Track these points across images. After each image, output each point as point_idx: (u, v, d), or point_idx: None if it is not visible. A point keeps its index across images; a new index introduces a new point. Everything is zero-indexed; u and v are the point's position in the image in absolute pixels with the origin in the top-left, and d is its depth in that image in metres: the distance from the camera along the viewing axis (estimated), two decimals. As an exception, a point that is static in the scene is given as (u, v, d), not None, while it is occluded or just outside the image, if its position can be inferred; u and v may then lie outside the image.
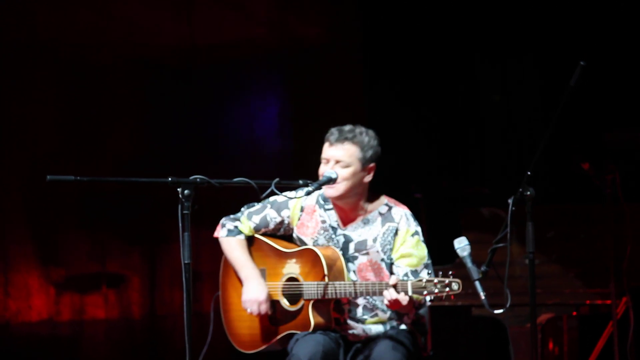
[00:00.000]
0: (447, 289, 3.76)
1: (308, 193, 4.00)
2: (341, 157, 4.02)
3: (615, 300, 5.40)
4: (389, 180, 4.49)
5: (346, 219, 4.14)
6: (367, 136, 4.06)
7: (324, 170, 4.03)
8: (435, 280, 3.78)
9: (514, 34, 7.05)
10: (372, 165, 4.07)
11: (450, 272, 3.79)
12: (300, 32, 7.27)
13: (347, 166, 4.02)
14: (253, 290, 4.10)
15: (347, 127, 4.07)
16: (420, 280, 3.80)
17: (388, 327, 4.11)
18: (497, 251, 3.84)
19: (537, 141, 3.82)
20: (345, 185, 4.02)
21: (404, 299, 3.82)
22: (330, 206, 4.16)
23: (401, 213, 4.11)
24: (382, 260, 4.08)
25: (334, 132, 4.06)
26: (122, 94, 6.93)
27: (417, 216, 4.25)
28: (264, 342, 4.16)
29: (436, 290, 3.77)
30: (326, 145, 4.06)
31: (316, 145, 4.18)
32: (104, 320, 6.81)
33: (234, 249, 4.20)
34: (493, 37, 7.09)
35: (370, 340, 4.06)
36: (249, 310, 4.11)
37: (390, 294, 3.82)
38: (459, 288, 3.77)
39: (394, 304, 3.84)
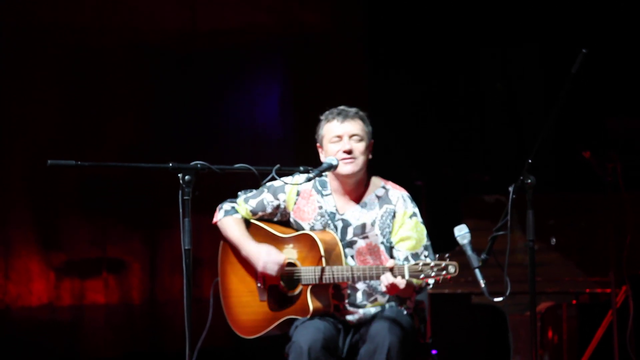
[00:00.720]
0: (444, 272, 3.77)
1: (309, 179, 4.01)
2: (356, 131, 4.06)
3: (615, 288, 5.40)
4: (390, 168, 4.48)
5: (345, 203, 4.14)
6: (364, 114, 4.14)
7: (338, 147, 4.04)
8: (432, 264, 3.78)
9: (516, 21, 7.03)
10: (372, 141, 4.12)
11: (446, 255, 3.79)
12: (303, 18, 7.25)
13: (361, 140, 4.07)
14: (263, 255, 4.09)
15: (343, 106, 4.13)
16: (417, 264, 3.80)
17: (387, 307, 4.11)
18: (498, 239, 3.83)
19: (539, 129, 3.81)
20: (363, 159, 4.06)
21: (400, 282, 3.81)
22: (328, 192, 4.16)
23: (398, 195, 4.13)
24: (382, 243, 4.09)
25: (337, 111, 4.10)
26: (123, 79, 6.93)
27: (418, 203, 4.24)
28: (264, 328, 4.17)
29: (433, 274, 3.77)
30: (335, 123, 4.07)
31: (317, 132, 4.18)
32: (104, 305, 6.83)
33: (231, 227, 4.20)
34: (495, 24, 7.07)
35: (367, 322, 4.06)
36: (269, 272, 4.09)
37: (387, 278, 3.82)
38: (455, 271, 3.77)
39: (391, 289, 3.84)
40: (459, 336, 6.91)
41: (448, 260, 3.77)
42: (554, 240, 5.51)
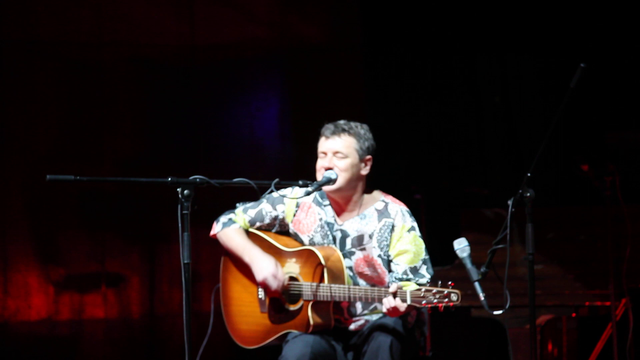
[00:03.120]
0: (446, 300, 3.74)
1: (307, 193, 4.02)
2: (339, 149, 4.05)
3: (614, 301, 5.40)
4: (389, 181, 4.49)
5: (342, 214, 4.14)
6: (362, 129, 4.11)
7: (322, 164, 4.05)
8: (434, 290, 3.75)
9: (514, 34, 7.05)
10: (368, 157, 4.11)
11: (449, 283, 3.76)
12: (301, 32, 7.27)
13: (345, 157, 4.05)
14: (265, 267, 4.08)
15: (342, 121, 4.13)
16: (419, 290, 3.77)
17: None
18: (497, 252, 3.83)
19: (538, 142, 3.81)
20: (343, 177, 4.04)
21: (401, 305, 3.80)
22: (327, 202, 4.16)
23: (397, 209, 4.12)
24: (379, 256, 4.09)
25: (329, 126, 4.10)
26: (122, 94, 6.93)
27: (417, 217, 4.24)
28: (263, 339, 4.16)
29: (435, 301, 3.74)
30: (322, 140, 4.09)
31: (316, 146, 4.19)
32: (103, 320, 6.81)
33: (232, 237, 4.20)
34: (494, 37, 7.09)
35: (369, 329, 4.06)
36: (271, 286, 4.09)
37: (389, 302, 3.81)
38: (457, 299, 3.74)
39: (392, 312, 3.84)
40: (459, 349, 6.90)
41: (451, 288, 3.75)
42: (554, 253, 5.51)
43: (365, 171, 4.11)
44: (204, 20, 7.09)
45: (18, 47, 6.72)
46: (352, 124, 4.11)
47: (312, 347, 3.93)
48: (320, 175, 4.07)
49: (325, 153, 4.07)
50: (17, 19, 6.71)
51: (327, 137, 4.06)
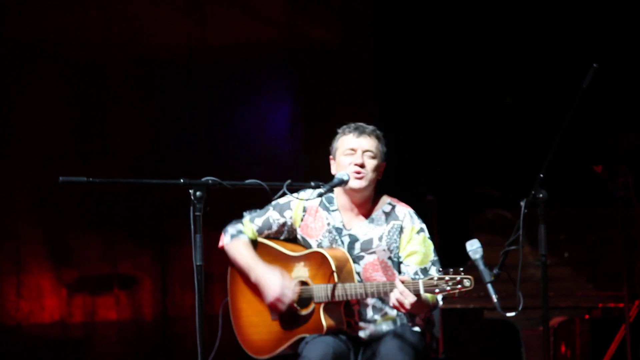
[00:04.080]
0: (459, 286, 3.74)
1: (320, 195, 4.01)
2: (370, 147, 4.07)
3: (627, 303, 5.38)
4: (400, 182, 4.49)
5: (351, 218, 4.13)
6: (381, 134, 4.14)
7: (350, 160, 4.04)
8: (447, 278, 3.75)
9: (525, 35, 7.03)
10: (384, 163, 4.12)
11: (460, 269, 3.77)
12: (311, 33, 7.27)
13: (374, 157, 4.07)
14: (272, 289, 4.07)
15: (361, 123, 4.14)
16: (432, 278, 3.77)
17: (398, 323, 4.09)
18: (510, 254, 3.82)
19: (549, 143, 3.80)
20: (372, 176, 4.06)
21: (408, 296, 3.78)
22: (335, 207, 4.15)
23: (405, 211, 4.12)
24: (389, 258, 4.08)
25: (355, 125, 4.11)
26: (132, 95, 6.94)
27: (429, 218, 4.24)
28: (276, 347, 4.14)
29: (448, 288, 3.74)
30: (351, 137, 4.08)
31: (327, 147, 4.18)
32: (116, 322, 6.82)
33: (240, 252, 4.17)
34: (504, 38, 7.07)
35: (379, 339, 4.05)
36: (280, 310, 4.08)
37: (394, 295, 3.80)
38: (470, 284, 3.74)
39: (400, 306, 3.82)
40: (471, 351, 6.88)
41: (463, 274, 3.75)
42: (567, 254, 5.49)
43: (379, 176, 4.12)
44: (214, 22, 7.09)
45: (27, 48, 6.73)
46: (373, 127, 4.13)
47: (333, 348, 3.93)
48: (349, 170, 4.04)
49: (354, 150, 4.06)
50: (26, 20, 6.73)
51: (357, 135, 4.07)
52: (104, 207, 6.79)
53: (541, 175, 3.77)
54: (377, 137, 4.10)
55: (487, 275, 3.77)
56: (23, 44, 6.72)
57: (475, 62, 7.18)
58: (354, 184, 4.04)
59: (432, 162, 7.15)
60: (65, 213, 6.75)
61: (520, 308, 3.79)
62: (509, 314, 3.86)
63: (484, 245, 3.85)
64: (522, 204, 3.79)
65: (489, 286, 3.75)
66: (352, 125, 4.12)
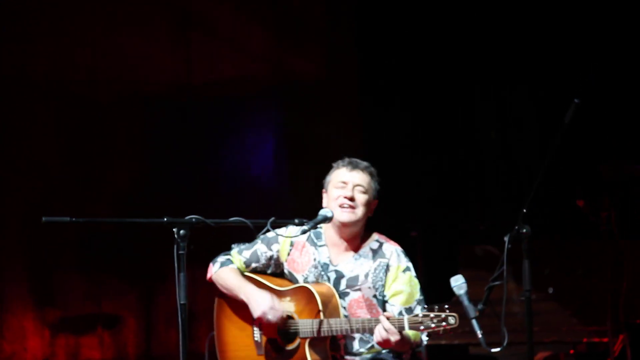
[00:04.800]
0: (444, 324, 3.74)
1: (304, 232, 4.01)
2: (361, 182, 4.08)
3: (612, 338, 5.38)
4: (385, 218, 4.49)
5: (338, 254, 4.13)
6: (375, 172, 4.16)
7: (340, 193, 4.05)
8: (432, 315, 3.75)
9: (510, 68, 7.08)
10: (376, 201, 4.12)
11: (446, 306, 3.77)
12: (297, 67, 7.30)
13: (365, 192, 4.08)
14: (261, 302, 4.07)
15: (356, 159, 4.15)
16: (417, 316, 3.77)
17: (384, 351, 4.08)
18: (494, 289, 3.82)
19: (534, 175, 3.82)
20: (362, 211, 4.06)
21: (394, 334, 3.78)
22: (322, 242, 4.16)
23: (392, 249, 4.12)
24: (374, 296, 4.07)
25: (349, 160, 4.13)
26: (119, 130, 6.95)
27: (413, 254, 4.24)
28: (261, 381, 4.14)
29: (433, 325, 3.74)
30: (343, 171, 4.10)
31: (313, 182, 4.19)
32: (100, 362, 6.78)
33: (228, 277, 4.18)
34: (490, 71, 7.12)
35: None
36: (270, 320, 4.06)
37: (379, 332, 3.80)
38: (455, 322, 3.74)
39: (384, 343, 3.82)
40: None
41: (448, 311, 3.75)
42: (552, 289, 5.50)
43: (370, 214, 4.12)
44: (200, 57, 7.12)
45: (16, 85, 6.74)
46: (368, 163, 4.15)
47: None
48: (336, 205, 4.05)
49: (345, 183, 4.07)
50: (13, 55, 6.74)
51: (349, 170, 4.09)
52: (87, 247, 6.77)
53: (524, 210, 3.79)
54: (370, 174, 4.11)
55: (471, 311, 3.77)
56: (12, 80, 6.73)
57: (461, 94, 7.22)
58: (343, 217, 4.04)
59: (418, 197, 7.16)
60: (51, 252, 6.72)
61: (505, 343, 3.79)
62: (494, 350, 3.85)
63: (468, 280, 3.85)
64: (506, 239, 3.79)
65: (474, 322, 3.75)
66: (347, 159, 4.14)
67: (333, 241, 4.14)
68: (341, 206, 4.03)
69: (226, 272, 4.20)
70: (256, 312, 4.08)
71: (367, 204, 4.07)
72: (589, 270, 5.51)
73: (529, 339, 3.78)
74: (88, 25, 6.89)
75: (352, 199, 4.04)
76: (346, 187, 4.07)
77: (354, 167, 4.10)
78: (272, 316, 4.05)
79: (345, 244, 4.12)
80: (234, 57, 7.20)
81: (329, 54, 7.42)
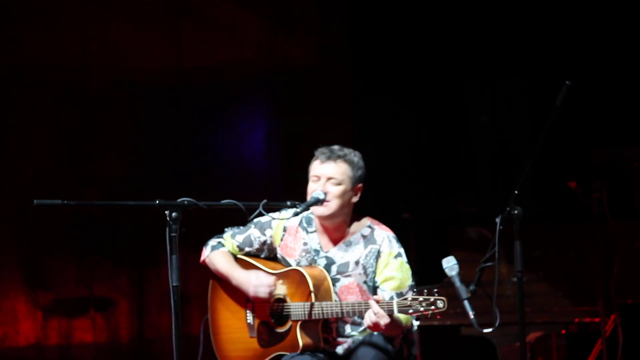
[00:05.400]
0: (433, 307, 3.74)
1: (296, 214, 4.00)
2: (333, 175, 4.02)
3: (603, 317, 5.40)
4: (377, 200, 4.49)
5: (329, 241, 4.13)
6: (356, 156, 4.09)
7: (315, 187, 4.03)
8: (421, 299, 3.75)
9: (502, 53, 7.08)
10: (359, 185, 4.09)
11: (435, 290, 3.77)
12: (288, 53, 7.29)
13: (339, 184, 4.02)
14: (253, 280, 4.08)
15: (336, 147, 4.09)
16: (406, 299, 3.77)
17: (375, 333, 4.09)
18: (486, 270, 3.83)
19: (526, 160, 3.82)
20: (336, 204, 4.02)
21: (384, 318, 3.78)
22: (313, 229, 4.15)
23: (383, 235, 4.09)
24: (365, 282, 4.07)
25: (324, 150, 4.07)
26: (111, 117, 6.94)
27: (405, 236, 4.24)
28: (254, 364, 4.15)
29: (421, 309, 3.74)
30: (317, 163, 4.05)
31: (304, 166, 4.19)
32: (92, 344, 6.78)
33: (220, 259, 4.18)
34: (481, 56, 7.12)
35: (355, 348, 4.05)
36: (261, 295, 4.07)
37: (369, 315, 3.80)
38: (444, 306, 3.74)
39: (374, 326, 3.82)
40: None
41: (437, 295, 3.75)
42: (543, 271, 5.52)
43: (355, 199, 4.08)
44: (191, 43, 7.11)
45: (7, 72, 6.73)
46: (347, 150, 4.07)
47: (310, 367, 3.93)
48: (322, 194, 4.03)
49: (318, 177, 4.03)
50: (5, 44, 6.72)
51: (322, 162, 4.03)
52: (80, 230, 6.77)
53: (516, 192, 3.79)
54: (349, 162, 4.02)
55: (463, 292, 3.78)
56: (1, 68, 6.71)
57: (453, 78, 7.22)
58: (317, 212, 4.02)
59: (409, 180, 7.17)
60: (42, 236, 6.72)
61: (497, 324, 3.80)
62: (485, 331, 3.86)
63: (460, 262, 3.86)
64: (498, 220, 3.80)
65: (466, 303, 3.76)
66: (323, 149, 4.06)
67: (322, 229, 4.13)
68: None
69: (218, 255, 4.20)
70: (250, 291, 4.08)
71: (342, 195, 4.00)
72: (581, 252, 5.53)
73: (520, 320, 3.79)
74: (79, 12, 6.87)
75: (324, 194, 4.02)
76: (318, 181, 4.02)
77: (327, 158, 4.02)
78: (264, 292, 4.05)
79: (332, 232, 4.11)
80: (226, 43, 7.19)
81: (321, 40, 7.41)
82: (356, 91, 7.32)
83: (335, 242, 4.11)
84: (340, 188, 4.01)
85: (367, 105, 7.29)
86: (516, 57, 7.06)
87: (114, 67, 6.94)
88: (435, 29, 7.18)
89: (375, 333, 4.07)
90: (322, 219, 4.05)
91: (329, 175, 4.02)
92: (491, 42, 7.09)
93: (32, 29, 6.77)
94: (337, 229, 4.09)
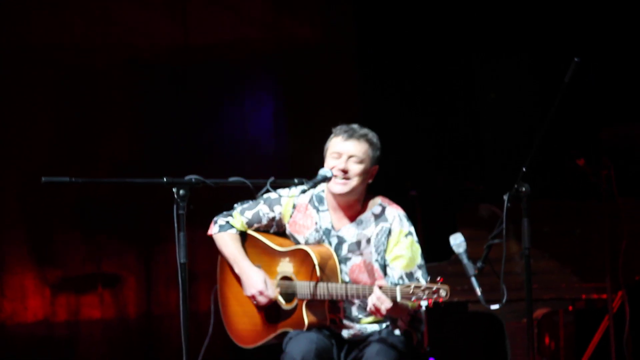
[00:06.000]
0: (435, 295, 3.74)
1: (303, 191, 4.00)
2: (356, 153, 4.02)
3: (611, 294, 5.41)
4: (385, 178, 4.49)
5: (342, 218, 4.13)
6: (374, 137, 4.10)
7: (334, 164, 4.01)
8: (423, 287, 3.74)
9: (509, 31, 7.05)
10: (376, 167, 4.09)
11: (438, 279, 3.77)
12: (294, 32, 7.27)
13: (360, 162, 4.02)
14: (252, 283, 4.11)
15: (356, 125, 4.09)
16: (409, 286, 3.77)
17: (383, 326, 4.10)
18: (493, 247, 3.84)
19: (533, 137, 3.82)
20: (356, 181, 4.02)
21: (386, 303, 3.78)
22: (325, 207, 4.15)
23: (394, 214, 4.10)
24: (376, 261, 4.07)
25: (345, 128, 4.05)
26: (117, 96, 6.94)
27: (413, 213, 4.24)
28: (261, 338, 4.18)
29: (424, 296, 3.74)
30: (339, 140, 4.04)
31: (311, 145, 4.19)
32: (100, 321, 6.82)
33: (226, 244, 4.21)
34: (489, 34, 7.09)
35: (363, 341, 4.06)
36: (259, 302, 4.10)
37: (372, 299, 3.81)
38: (446, 295, 3.75)
39: (376, 312, 3.83)
40: (456, 344, 6.90)
41: (440, 284, 3.75)
42: (550, 248, 5.50)
43: (369, 180, 4.09)
44: (197, 21, 7.09)
45: (11, 53, 6.72)
46: (367, 130, 4.07)
47: (316, 344, 3.95)
48: (329, 172, 4.01)
49: (339, 154, 4.02)
50: (9, 24, 6.71)
51: (344, 139, 4.02)
52: (87, 207, 6.79)
53: (524, 169, 3.79)
54: (369, 142, 4.03)
55: (470, 269, 3.79)
56: (6, 48, 6.71)
57: (460, 57, 7.19)
58: (336, 189, 4.02)
59: (417, 157, 7.16)
60: (50, 214, 6.74)
61: (504, 301, 3.81)
62: (493, 307, 3.88)
63: (468, 239, 3.87)
64: (505, 197, 3.80)
65: (473, 279, 3.77)
66: (345, 127, 4.05)
67: (334, 207, 4.13)
68: (335, 178, 4.00)
69: (225, 238, 4.21)
70: (247, 292, 4.13)
71: (363, 174, 4.02)
72: (588, 229, 5.53)
73: (527, 296, 3.80)
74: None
75: (345, 171, 4.00)
76: (340, 158, 4.02)
77: (350, 136, 4.02)
78: (261, 301, 4.10)
79: (345, 210, 4.11)
80: (232, 21, 7.17)
81: (327, 19, 7.38)
82: (363, 69, 7.30)
83: (347, 219, 4.11)
84: (362, 166, 4.02)
85: (374, 83, 7.27)
86: (524, 34, 7.03)
87: (119, 46, 6.92)
88: (442, 6, 7.15)
89: (384, 325, 4.08)
90: (339, 196, 4.05)
91: (351, 153, 4.01)
92: (498, 19, 7.06)
93: (36, 8, 6.75)
94: (350, 207, 4.10)
